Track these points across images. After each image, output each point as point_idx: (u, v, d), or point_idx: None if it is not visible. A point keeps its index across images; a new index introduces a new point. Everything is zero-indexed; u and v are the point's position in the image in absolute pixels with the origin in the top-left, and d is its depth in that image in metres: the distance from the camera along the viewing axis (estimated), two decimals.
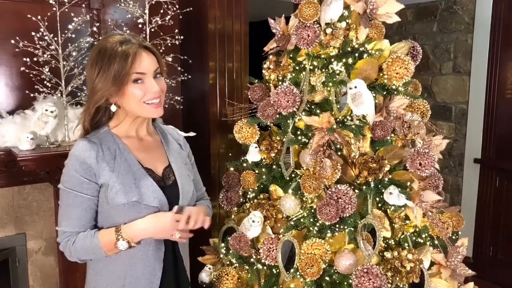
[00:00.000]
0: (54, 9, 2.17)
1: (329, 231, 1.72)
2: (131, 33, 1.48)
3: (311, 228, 1.76)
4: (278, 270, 1.84)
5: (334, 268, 1.71)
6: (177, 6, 2.45)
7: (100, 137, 1.42)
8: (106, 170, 1.37)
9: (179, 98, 2.59)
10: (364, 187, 1.70)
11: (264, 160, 1.98)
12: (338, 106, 1.76)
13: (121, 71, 1.32)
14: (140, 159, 1.44)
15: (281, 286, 1.86)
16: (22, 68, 2.19)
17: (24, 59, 2.17)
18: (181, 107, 2.67)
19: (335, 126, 1.70)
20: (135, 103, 1.38)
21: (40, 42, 2.15)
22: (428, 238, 1.83)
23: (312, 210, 1.76)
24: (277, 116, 1.87)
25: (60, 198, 1.41)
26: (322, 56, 1.80)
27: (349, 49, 1.77)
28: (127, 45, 1.34)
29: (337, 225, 1.71)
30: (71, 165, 1.38)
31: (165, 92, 1.45)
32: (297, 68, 1.89)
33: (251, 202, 1.98)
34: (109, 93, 1.35)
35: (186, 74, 2.58)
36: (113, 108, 1.41)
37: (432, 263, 1.80)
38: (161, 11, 2.39)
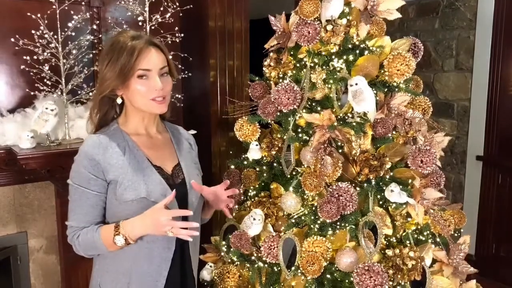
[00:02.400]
0: (54, 7, 2.17)
1: (330, 229, 1.71)
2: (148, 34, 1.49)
3: (312, 226, 1.75)
4: (279, 268, 1.83)
5: (335, 265, 1.70)
6: (177, 4, 2.44)
7: (110, 134, 1.43)
8: (115, 167, 1.38)
9: (179, 96, 2.58)
10: (365, 184, 1.69)
11: (265, 158, 1.98)
12: (339, 103, 1.75)
13: (127, 65, 1.34)
14: (149, 156, 1.45)
15: (282, 284, 1.86)
16: (22, 67, 2.19)
17: (24, 57, 2.17)
18: (182, 105, 2.67)
19: (336, 124, 1.69)
20: (139, 98, 1.40)
21: (40, 40, 2.15)
22: (430, 236, 1.83)
23: (313, 208, 1.76)
24: (278, 113, 1.86)
25: (69, 193, 1.42)
26: (323, 53, 1.79)
27: (350, 46, 1.76)
28: (136, 41, 1.37)
29: (338, 223, 1.70)
30: (80, 161, 1.39)
31: (170, 91, 1.46)
32: (297, 65, 1.88)
33: (252, 200, 1.97)
34: (114, 84, 1.38)
35: (186, 72, 2.57)
36: (118, 100, 1.43)
37: (434, 261, 1.79)
38: (161, 8, 2.38)
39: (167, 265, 1.44)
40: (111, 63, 1.36)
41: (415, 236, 1.79)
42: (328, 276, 1.72)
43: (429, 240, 1.81)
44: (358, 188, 1.70)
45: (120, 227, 1.35)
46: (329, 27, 1.71)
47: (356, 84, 1.65)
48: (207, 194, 1.55)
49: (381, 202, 1.74)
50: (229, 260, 2.00)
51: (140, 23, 2.35)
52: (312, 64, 1.82)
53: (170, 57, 1.43)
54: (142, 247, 1.40)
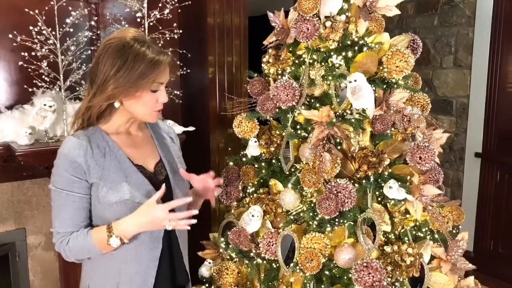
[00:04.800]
0: (52, 3, 2.16)
1: (328, 225, 1.72)
2: (142, 32, 1.45)
3: (310, 223, 1.76)
4: (278, 265, 1.84)
5: (334, 262, 1.71)
6: (176, 0, 2.43)
7: (89, 134, 1.39)
8: (96, 168, 1.34)
9: (178, 93, 2.57)
10: (363, 181, 1.69)
11: (263, 155, 1.98)
12: (337, 100, 1.75)
13: (146, 76, 1.31)
14: (130, 156, 1.42)
15: (281, 280, 1.86)
16: (20, 63, 2.18)
17: (22, 53, 2.16)
18: (181, 101, 2.66)
19: (334, 120, 1.69)
20: (143, 108, 1.38)
21: (38, 37, 2.14)
22: (428, 232, 1.83)
23: (312, 205, 1.76)
24: (277, 110, 1.86)
25: (51, 199, 1.38)
26: (322, 49, 1.79)
27: (348, 42, 1.76)
28: (159, 54, 1.33)
29: (336, 219, 1.70)
30: (61, 164, 1.34)
31: None
32: (296, 61, 1.88)
33: (251, 196, 1.97)
34: (127, 92, 1.32)
35: (185, 68, 2.57)
36: (116, 104, 1.38)
37: (432, 257, 1.80)
38: (160, 5, 2.37)
39: (155, 263, 1.42)
40: (126, 70, 1.30)
41: (414, 232, 1.79)
42: (327, 272, 1.73)
43: (428, 237, 1.81)
44: (356, 185, 1.70)
45: (113, 228, 1.32)
46: (328, 24, 1.71)
47: (355, 80, 1.65)
48: (196, 182, 1.53)
49: (379, 199, 1.74)
50: (228, 257, 2.00)
51: (138, 19, 2.35)
52: (311, 61, 1.81)
53: (169, 52, 1.42)
54: (129, 248, 1.38)
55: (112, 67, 1.31)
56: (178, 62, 2.58)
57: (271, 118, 1.96)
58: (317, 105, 1.79)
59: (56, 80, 2.22)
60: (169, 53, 1.41)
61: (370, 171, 1.66)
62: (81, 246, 1.35)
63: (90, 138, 1.38)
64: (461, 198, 3.80)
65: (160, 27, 2.39)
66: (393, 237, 1.76)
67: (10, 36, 2.17)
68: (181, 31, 2.48)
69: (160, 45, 2.34)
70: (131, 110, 1.39)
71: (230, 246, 1.93)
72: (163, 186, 1.34)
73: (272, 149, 1.92)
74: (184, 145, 2.11)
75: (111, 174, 1.35)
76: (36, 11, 2.13)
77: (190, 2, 2.49)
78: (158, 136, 1.56)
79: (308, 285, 1.75)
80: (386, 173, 1.69)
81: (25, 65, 2.18)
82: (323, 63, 1.79)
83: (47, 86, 2.22)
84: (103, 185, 1.34)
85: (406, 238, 1.75)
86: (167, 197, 1.41)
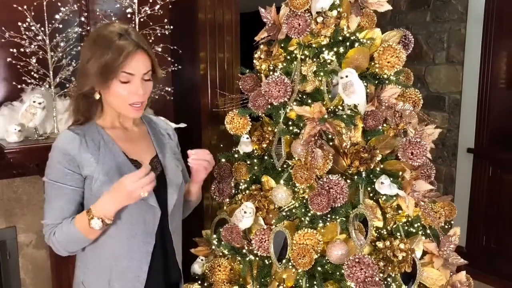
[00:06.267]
0: None
1: (320, 221, 1.72)
2: (132, 27, 1.42)
3: (303, 219, 1.75)
4: (270, 261, 1.83)
5: (326, 258, 1.71)
6: None
7: (84, 128, 1.40)
8: (90, 162, 1.35)
9: (169, 89, 2.56)
10: (355, 177, 1.69)
11: (255, 151, 1.97)
12: (329, 96, 1.74)
13: (110, 65, 1.29)
14: (126, 150, 1.42)
15: (273, 276, 1.86)
16: (9, 59, 2.15)
17: (11, 50, 2.13)
18: (172, 98, 2.65)
19: (326, 116, 1.69)
20: (117, 101, 1.36)
21: (27, 33, 2.11)
22: (420, 228, 1.83)
23: (304, 201, 1.76)
24: (269, 106, 1.85)
25: (45, 191, 1.39)
26: (313, 45, 1.78)
27: (340, 38, 1.75)
28: (125, 41, 1.31)
29: (328, 215, 1.70)
30: (54, 156, 1.36)
31: (149, 94, 1.41)
32: (288, 57, 1.87)
33: (243, 193, 1.97)
34: (95, 83, 1.33)
35: (176, 65, 2.55)
36: (96, 96, 1.38)
37: (425, 253, 1.80)
38: (150, 0, 2.35)
39: (147, 259, 1.41)
40: (95, 60, 1.30)
41: (406, 228, 1.80)
42: (319, 268, 1.73)
43: (420, 232, 1.81)
44: (348, 181, 1.70)
45: (92, 210, 1.31)
46: (320, 19, 1.70)
47: (347, 76, 1.65)
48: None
49: (371, 195, 1.74)
50: (220, 254, 1.99)
51: (128, 15, 2.32)
52: (302, 57, 1.81)
53: (160, 49, 1.38)
54: (121, 243, 1.38)
55: (84, 57, 1.34)
56: (169, 59, 2.56)
57: (263, 115, 1.95)
58: (309, 101, 1.79)
59: (46, 76, 2.19)
60: (132, 30, 1.35)
61: (362, 167, 1.66)
62: (66, 235, 1.35)
63: (85, 132, 1.39)
64: (454, 193, 3.82)
65: (151, 23, 2.36)
66: (385, 232, 1.76)
67: None
68: (172, 27, 2.45)
69: (151, 41, 2.33)
70: (109, 103, 1.39)
71: (223, 243, 1.92)
72: (145, 164, 1.32)
73: (264, 145, 1.91)
74: None
75: (105, 167, 1.36)
76: (25, 7, 2.10)
77: None
78: (155, 132, 1.56)
79: (300, 281, 1.75)
80: (378, 168, 1.69)
81: (13, 62, 2.15)
82: (314, 59, 1.78)
83: (37, 82, 2.19)
84: (96, 178, 1.34)
85: (398, 234, 1.75)
86: (161, 193, 1.43)
